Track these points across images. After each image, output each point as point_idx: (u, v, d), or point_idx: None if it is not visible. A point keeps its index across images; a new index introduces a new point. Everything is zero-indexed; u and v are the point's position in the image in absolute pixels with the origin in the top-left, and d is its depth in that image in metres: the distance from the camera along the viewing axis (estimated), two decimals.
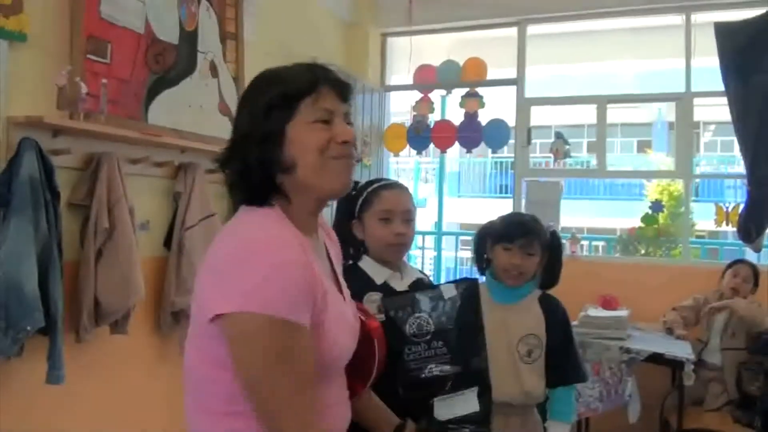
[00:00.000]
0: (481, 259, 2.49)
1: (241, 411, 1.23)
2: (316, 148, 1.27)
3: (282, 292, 1.15)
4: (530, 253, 2.38)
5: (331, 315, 1.27)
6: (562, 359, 2.31)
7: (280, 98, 1.28)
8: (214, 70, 3.65)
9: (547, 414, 2.33)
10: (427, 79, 5.36)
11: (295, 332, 1.17)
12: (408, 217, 2.00)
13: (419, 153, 5.61)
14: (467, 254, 7.88)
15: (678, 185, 8.47)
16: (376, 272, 1.98)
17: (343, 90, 1.33)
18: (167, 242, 3.33)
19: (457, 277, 2.13)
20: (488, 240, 2.44)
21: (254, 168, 1.28)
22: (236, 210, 1.35)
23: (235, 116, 1.37)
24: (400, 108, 5.73)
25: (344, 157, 1.30)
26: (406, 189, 2.05)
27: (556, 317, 2.39)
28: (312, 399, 1.21)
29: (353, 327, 1.41)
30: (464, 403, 1.67)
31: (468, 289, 1.75)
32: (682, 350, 3.66)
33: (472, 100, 5.18)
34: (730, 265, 4.16)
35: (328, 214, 1.97)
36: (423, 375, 1.66)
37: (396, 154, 5.62)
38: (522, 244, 2.36)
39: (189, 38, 3.47)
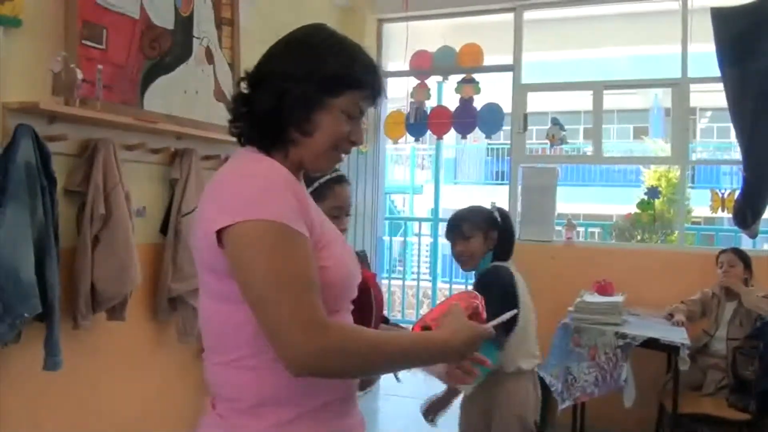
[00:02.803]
0: None
1: (252, 366, 1.24)
2: (335, 138, 1.33)
3: (281, 201, 1.19)
4: (464, 238, 2.70)
5: (335, 241, 1.33)
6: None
7: (345, 77, 1.31)
8: (209, 56, 3.64)
9: None
10: (423, 65, 5.34)
11: (297, 237, 1.18)
12: (350, 212, 2.06)
13: (417, 140, 5.60)
14: None
15: (676, 171, 8.48)
16: None
17: (379, 98, 1.39)
18: (163, 229, 3.33)
19: (453, 264, 2.22)
20: None
21: (284, 109, 1.29)
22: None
23: (282, 51, 1.35)
24: (396, 94, 5.72)
25: (345, 154, 1.38)
26: (349, 182, 2.08)
27: (478, 284, 2.67)
28: (319, 303, 1.16)
29: (356, 261, 1.43)
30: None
31: None
32: (678, 335, 3.68)
33: (468, 85, 5.18)
34: (717, 258, 4.18)
35: None
36: None
37: (395, 141, 5.61)
38: (451, 236, 2.75)
39: (184, 24, 3.45)
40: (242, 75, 1.36)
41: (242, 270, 1.17)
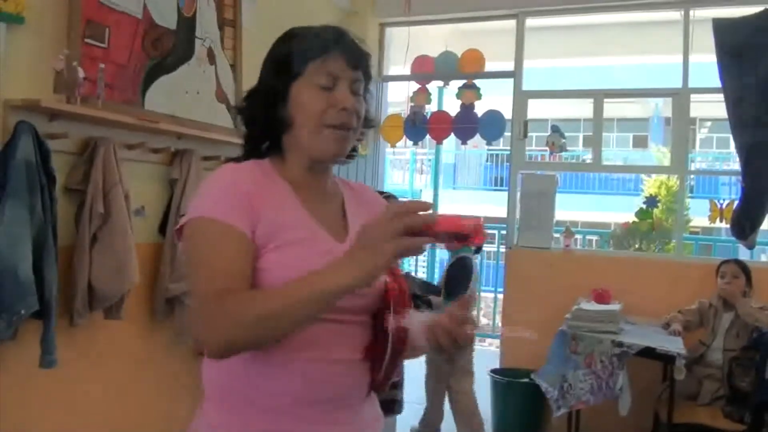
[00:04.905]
0: None
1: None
2: (313, 113, 1.29)
3: (217, 199, 1.26)
4: None
5: (298, 244, 1.26)
6: None
7: (288, 57, 1.31)
8: (211, 56, 3.64)
9: None
10: (424, 69, 5.35)
11: (225, 230, 1.21)
12: None
13: (415, 144, 5.60)
14: None
15: (675, 180, 8.50)
16: None
17: (352, 56, 1.31)
18: (162, 228, 3.32)
19: None
20: None
21: (257, 122, 1.35)
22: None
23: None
24: (398, 98, 5.72)
25: (340, 128, 1.30)
26: (397, 198, 2.10)
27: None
28: (224, 283, 1.17)
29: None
30: None
31: None
32: (674, 345, 3.68)
33: (469, 91, 5.18)
34: (718, 268, 4.17)
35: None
36: None
37: (393, 145, 5.61)
38: None
39: (187, 24, 3.45)
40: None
41: (186, 262, 1.34)
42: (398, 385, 3.88)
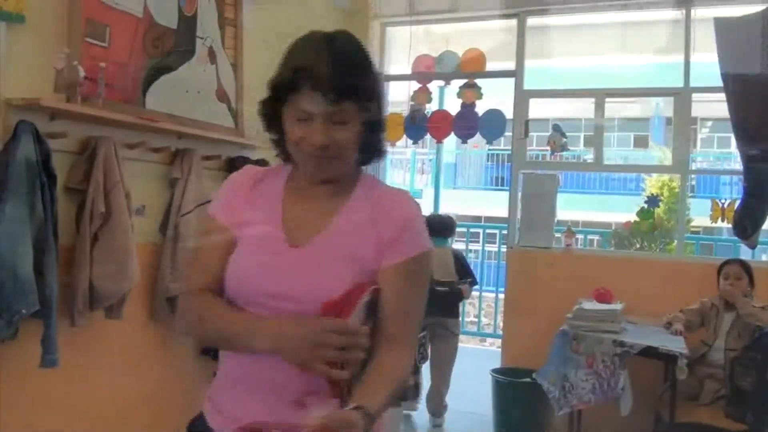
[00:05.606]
0: None
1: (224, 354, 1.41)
2: (292, 141, 1.33)
3: (219, 197, 1.46)
4: None
5: (245, 245, 1.38)
6: None
7: (280, 83, 1.32)
8: (212, 56, 3.64)
9: None
10: (425, 69, 5.34)
11: (214, 225, 1.41)
12: None
13: (415, 142, 5.59)
14: (462, 246, 7.89)
15: (677, 180, 8.49)
16: None
17: (330, 92, 1.27)
18: (163, 228, 3.32)
19: None
20: None
21: (269, 132, 1.42)
22: None
23: None
24: (399, 98, 5.71)
25: (318, 158, 1.32)
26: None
27: None
28: (195, 276, 1.41)
29: (267, 273, 1.35)
30: None
31: None
32: (676, 345, 3.67)
33: (470, 91, 5.17)
34: (720, 268, 4.15)
35: None
36: None
37: (392, 144, 5.60)
38: None
39: (188, 23, 3.45)
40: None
41: None
42: (417, 370, 3.93)
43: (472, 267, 5.12)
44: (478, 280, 5.24)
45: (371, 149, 1.41)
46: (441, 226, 4.83)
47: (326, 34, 1.35)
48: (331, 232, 1.36)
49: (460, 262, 4.87)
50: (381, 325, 1.34)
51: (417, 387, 4.04)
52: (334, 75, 1.27)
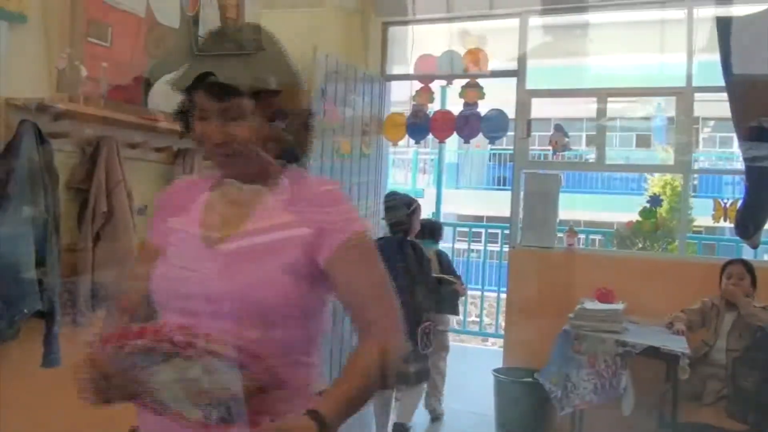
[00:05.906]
0: None
1: None
2: (196, 141, 1.37)
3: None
4: None
5: (163, 255, 1.39)
6: None
7: (178, 87, 1.36)
8: None
9: None
10: (427, 69, 5.33)
11: (141, 251, 1.54)
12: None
13: (417, 142, 5.59)
14: (464, 245, 7.89)
15: (680, 180, 8.48)
16: None
17: (218, 92, 1.27)
18: None
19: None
20: None
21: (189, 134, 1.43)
22: None
23: None
24: (401, 98, 5.71)
25: (221, 155, 1.35)
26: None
27: None
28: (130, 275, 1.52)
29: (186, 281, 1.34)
30: None
31: None
32: (678, 345, 3.67)
33: (472, 90, 5.16)
34: (723, 268, 4.15)
35: None
36: None
37: (395, 144, 5.60)
38: None
39: (190, 23, 3.45)
40: None
41: None
42: (420, 357, 3.94)
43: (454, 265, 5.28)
44: (461, 276, 5.26)
45: (286, 142, 1.37)
46: (430, 230, 4.94)
47: (222, 29, 1.35)
48: (248, 229, 1.34)
49: (444, 261, 4.96)
50: (351, 319, 1.33)
51: (420, 373, 4.04)
52: (222, 70, 1.26)
